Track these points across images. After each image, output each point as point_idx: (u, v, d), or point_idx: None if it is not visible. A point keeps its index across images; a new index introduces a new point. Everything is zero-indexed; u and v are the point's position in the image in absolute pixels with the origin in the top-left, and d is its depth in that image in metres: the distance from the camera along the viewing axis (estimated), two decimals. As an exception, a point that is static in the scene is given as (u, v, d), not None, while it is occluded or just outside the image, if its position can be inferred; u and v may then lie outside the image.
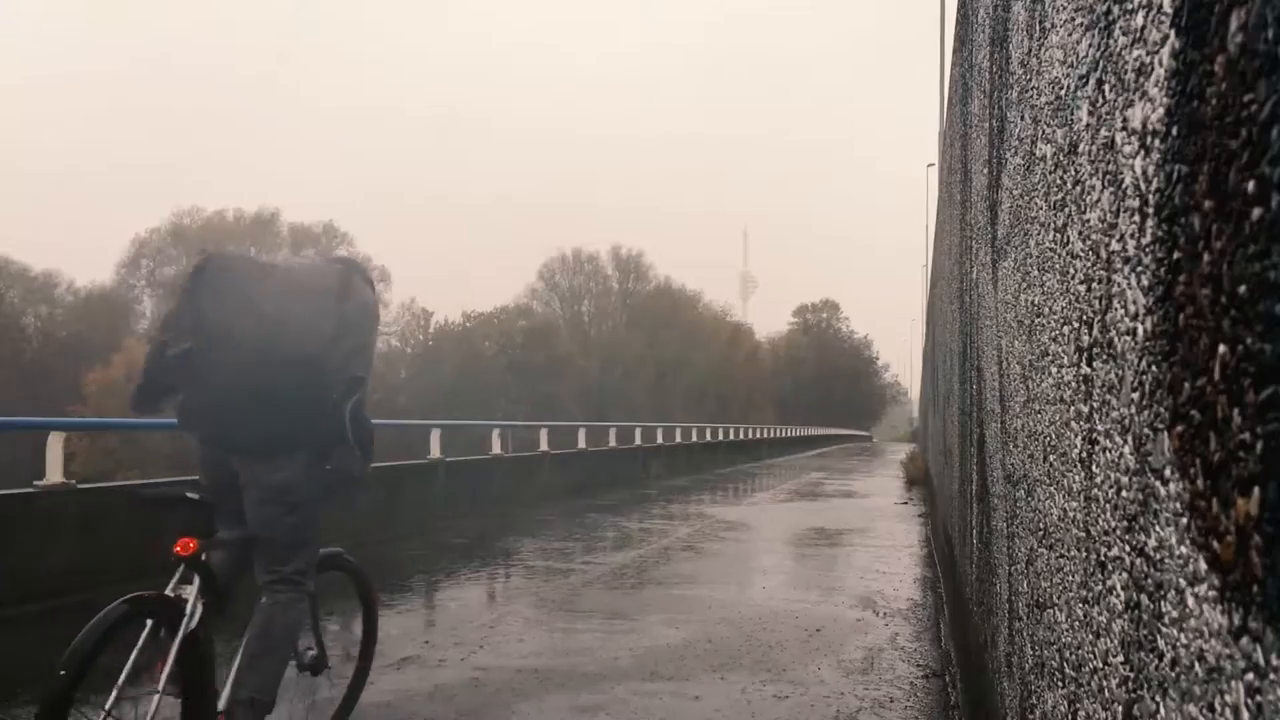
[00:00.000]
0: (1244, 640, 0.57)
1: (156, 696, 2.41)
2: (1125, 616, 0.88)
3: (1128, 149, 0.86)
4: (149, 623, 2.45)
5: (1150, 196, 0.79)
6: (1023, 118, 1.59)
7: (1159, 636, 0.76)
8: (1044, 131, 1.34)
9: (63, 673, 2.21)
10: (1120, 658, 0.90)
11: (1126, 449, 0.87)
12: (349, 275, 2.98)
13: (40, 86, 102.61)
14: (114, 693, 2.32)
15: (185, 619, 2.52)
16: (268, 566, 2.85)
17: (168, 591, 2.54)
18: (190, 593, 2.54)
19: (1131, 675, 0.85)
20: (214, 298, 2.77)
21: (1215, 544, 0.62)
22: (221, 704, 2.68)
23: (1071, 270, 1.14)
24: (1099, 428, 0.99)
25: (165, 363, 2.73)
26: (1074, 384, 1.13)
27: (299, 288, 2.87)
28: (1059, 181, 1.22)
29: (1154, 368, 0.78)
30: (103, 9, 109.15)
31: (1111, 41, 0.92)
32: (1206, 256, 0.65)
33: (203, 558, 2.58)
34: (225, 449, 2.80)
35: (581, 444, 15.82)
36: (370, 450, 2.91)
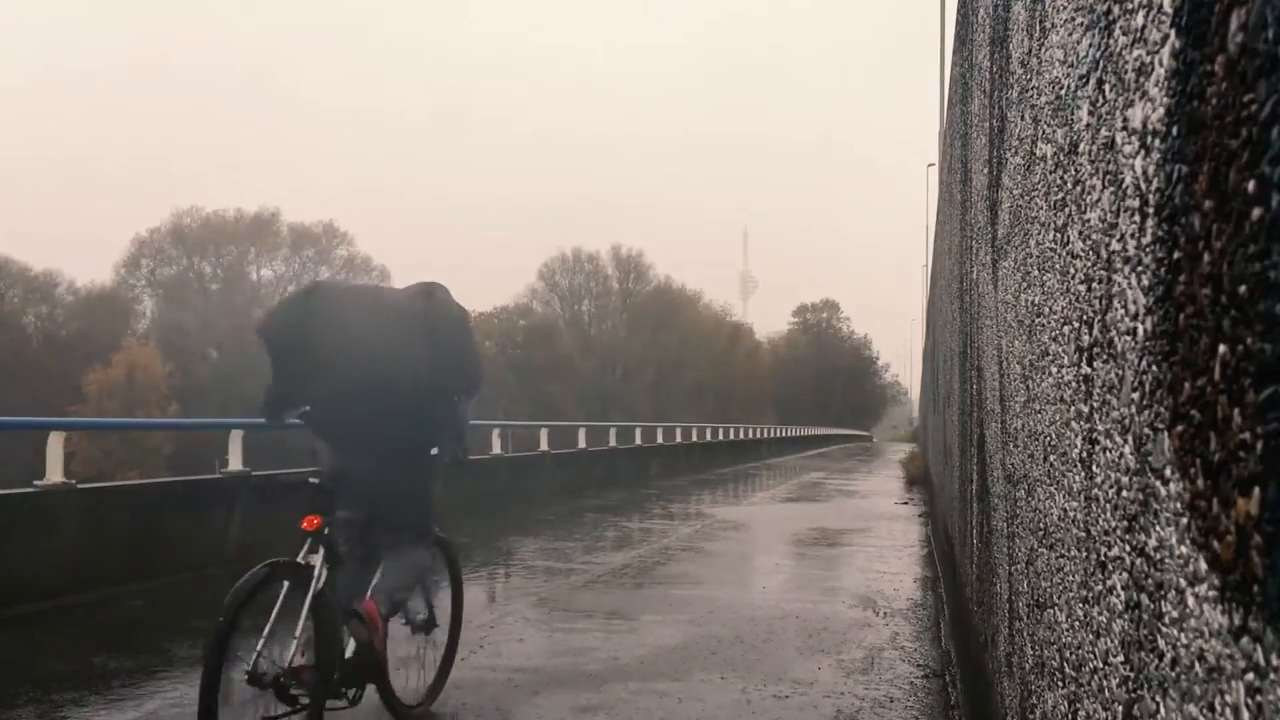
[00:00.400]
0: (1244, 640, 0.57)
1: (295, 642, 2.94)
2: (1125, 616, 0.88)
3: (1128, 149, 0.86)
4: (285, 584, 2.97)
5: (1150, 196, 0.79)
6: (1023, 117, 1.59)
7: (1159, 636, 0.76)
8: (1044, 131, 1.34)
9: (222, 619, 2.78)
10: (1120, 657, 0.90)
11: (1126, 449, 0.87)
12: (431, 296, 3.48)
13: (41, 84, 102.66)
14: (262, 638, 2.85)
15: (314, 580, 3.02)
16: (398, 547, 3.49)
17: (299, 559, 3.04)
18: (317, 560, 3.06)
19: (1132, 675, 0.85)
20: (323, 328, 3.31)
21: (1215, 544, 0.62)
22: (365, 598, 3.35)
23: (1072, 270, 1.14)
24: (1099, 427, 0.99)
25: (285, 384, 3.37)
26: (1074, 384, 1.13)
27: (392, 314, 3.41)
28: (1059, 181, 1.22)
29: (1154, 368, 0.78)
30: (104, 6, 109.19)
31: (1112, 41, 0.92)
32: (1207, 256, 0.65)
33: (325, 532, 3.10)
34: (353, 451, 3.34)
35: (582, 444, 15.81)
36: (469, 440, 3.70)
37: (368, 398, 3.25)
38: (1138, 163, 0.82)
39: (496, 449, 12.61)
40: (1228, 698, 0.59)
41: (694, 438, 23.25)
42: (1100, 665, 0.99)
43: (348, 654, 3.17)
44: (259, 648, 2.86)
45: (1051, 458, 1.31)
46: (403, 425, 3.33)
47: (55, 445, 6.28)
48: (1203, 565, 0.65)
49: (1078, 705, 1.11)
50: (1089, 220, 1.04)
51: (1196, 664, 0.66)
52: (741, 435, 30.08)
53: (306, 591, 2.99)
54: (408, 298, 3.49)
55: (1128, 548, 0.87)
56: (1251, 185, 0.57)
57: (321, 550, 3.07)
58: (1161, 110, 0.75)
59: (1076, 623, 1.12)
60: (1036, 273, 1.44)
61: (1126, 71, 0.86)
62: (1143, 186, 0.81)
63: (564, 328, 62.76)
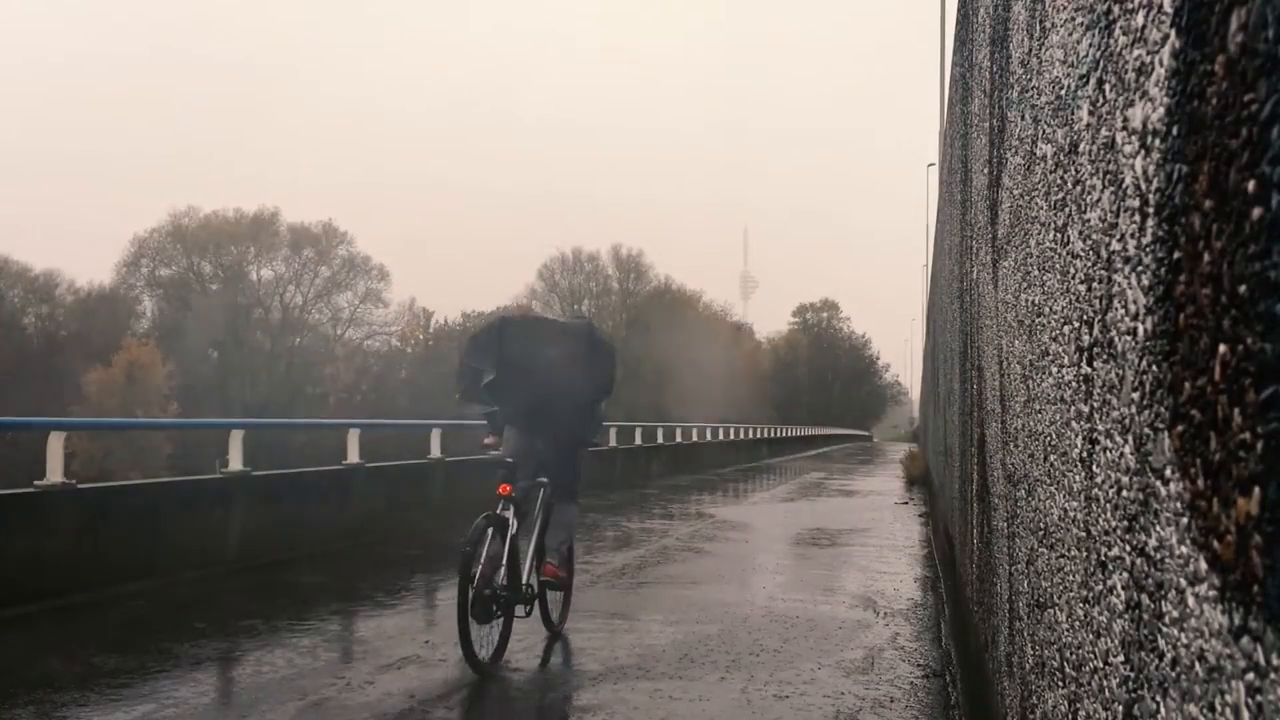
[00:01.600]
0: (1244, 640, 0.57)
1: (502, 568, 4.40)
2: (1126, 616, 0.88)
3: (1128, 149, 0.86)
4: (490, 529, 4.41)
5: (1150, 196, 0.79)
6: (1023, 117, 1.59)
7: (1159, 636, 0.76)
8: (1044, 131, 1.34)
9: (468, 549, 4.25)
10: (1121, 657, 0.90)
11: (1127, 449, 0.87)
12: (592, 331, 5.08)
13: (41, 81, 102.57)
14: (479, 565, 4.26)
15: (508, 528, 4.48)
16: (558, 500, 4.96)
17: (498, 512, 4.50)
18: (510, 514, 4.52)
19: (1132, 675, 0.85)
20: (515, 346, 4.83)
21: (1216, 544, 0.62)
22: (532, 553, 4.75)
23: (1072, 270, 1.14)
24: (1099, 427, 0.99)
25: (478, 381, 4.86)
26: (1074, 384, 1.13)
27: (563, 341, 4.90)
28: (1059, 181, 1.22)
29: (1154, 367, 0.78)
30: (104, 4, 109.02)
31: (1112, 41, 0.92)
32: (1207, 256, 0.65)
33: (513, 494, 4.57)
34: (533, 436, 4.85)
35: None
36: (605, 434, 6.67)
37: (546, 400, 4.77)
38: (1138, 163, 0.82)
39: (497, 449, 12.58)
40: (1228, 698, 0.59)
41: (694, 438, 23.24)
42: (1100, 665, 0.99)
43: (524, 580, 4.59)
44: (478, 570, 4.26)
45: (1052, 458, 1.31)
46: (566, 420, 4.87)
47: (55, 445, 6.28)
48: (1203, 565, 0.65)
49: (1078, 705, 1.11)
50: (1089, 220, 1.04)
51: (1197, 664, 0.66)
52: (741, 435, 30.07)
53: (505, 535, 4.46)
54: (575, 330, 5.04)
55: (1128, 548, 0.87)
56: (1251, 185, 0.57)
57: (512, 507, 4.55)
58: (1161, 110, 0.75)
59: (1077, 623, 1.12)
60: (1036, 273, 1.44)
61: (1126, 71, 0.86)
62: (1143, 186, 0.81)
63: (564, 328, 62.57)
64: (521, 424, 4.87)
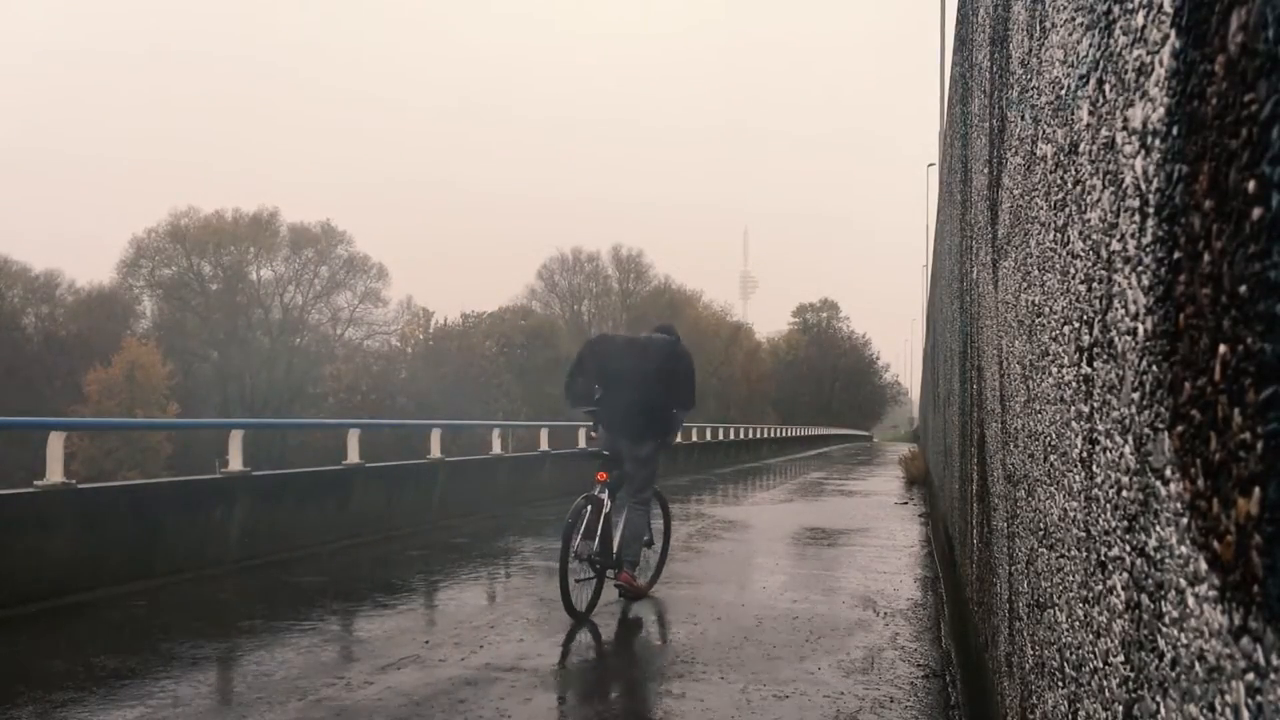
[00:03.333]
0: (1244, 640, 0.57)
1: (595, 542, 5.46)
2: (1125, 616, 0.88)
3: (1128, 149, 0.86)
4: (588, 508, 5.49)
5: (1150, 196, 0.79)
6: (1023, 117, 1.59)
7: (1159, 636, 0.76)
8: (1044, 131, 1.34)
9: (570, 521, 5.36)
10: (1121, 658, 0.90)
11: (1127, 449, 0.87)
12: (676, 347, 6.00)
13: (41, 81, 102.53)
14: (578, 536, 5.35)
15: (602, 507, 5.56)
16: (633, 494, 5.93)
17: (595, 494, 5.60)
18: (605, 495, 5.64)
19: (1132, 675, 0.85)
20: (607, 359, 5.91)
21: (1216, 544, 0.62)
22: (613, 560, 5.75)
23: (1072, 270, 1.14)
24: (1099, 427, 0.99)
25: (578, 385, 5.94)
26: (1074, 384, 1.13)
27: (650, 354, 5.88)
28: (1059, 181, 1.22)
29: (1154, 367, 0.78)
30: (105, 4, 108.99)
31: (1112, 41, 0.92)
32: (1207, 256, 0.65)
33: (608, 481, 5.67)
34: (619, 436, 5.85)
35: (582, 444, 15.79)
36: (678, 434, 6.59)
37: (632, 405, 5.78)
38: (1138, 163, 0.82)
39: (496, 449, 12.60)
40: (1228, 698, 0.59)
41: (694, 438, 23.23)
42: (1100, 665, 0.99)
43: (614, 548, 5.67)
44: (577, 542, 5.29)
45: (1052, 458, 1.31)
46: (647, 422, 5.86)
47: (55, 445, 6.27)
48: (1203, 565, 0.65)
49: (1078, 705, 1.11)
50: (1089, 220, 1.04)
51: (1196, 664, 0.66)
52: (741, 435, 30.05)
53: (600, 512, 5.53)
54: (663, 345, 5.95)
55: (1128, 548, 0.87)
56: (1251, 185, 0.57)
57: (607, 490, 5.65)
58: (1161, 110, 0.75)
59: (1076, 623, 1.12)
60: (1037, 273, 1.44)
61: (1126, 71, 0.86)
62: (1143, 186, 0.81)
63: (564, 328, 62.75)
64: (612, 425, 5.88)
